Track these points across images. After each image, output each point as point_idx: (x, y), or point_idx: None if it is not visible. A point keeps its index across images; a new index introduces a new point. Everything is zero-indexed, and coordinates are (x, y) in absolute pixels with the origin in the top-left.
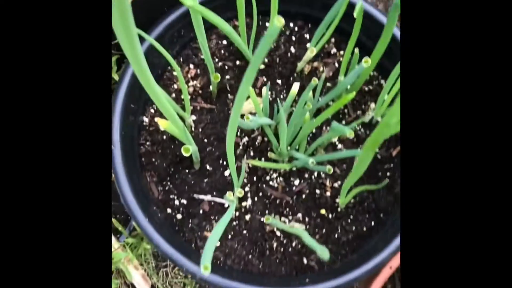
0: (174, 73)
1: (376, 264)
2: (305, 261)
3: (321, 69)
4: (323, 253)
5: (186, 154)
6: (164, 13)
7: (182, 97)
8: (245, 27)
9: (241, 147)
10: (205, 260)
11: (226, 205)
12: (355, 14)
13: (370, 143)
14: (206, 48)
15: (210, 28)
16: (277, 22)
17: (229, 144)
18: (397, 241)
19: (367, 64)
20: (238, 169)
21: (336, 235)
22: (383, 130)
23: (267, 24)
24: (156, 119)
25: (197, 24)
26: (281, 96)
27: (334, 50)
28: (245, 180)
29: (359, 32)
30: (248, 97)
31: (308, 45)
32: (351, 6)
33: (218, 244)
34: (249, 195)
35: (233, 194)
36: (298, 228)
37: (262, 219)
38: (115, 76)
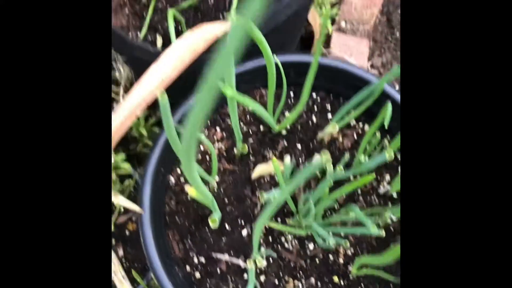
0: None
1: None
2: None
3: (340, 139)
4: None
5: (212, 225)
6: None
7: (208, 158)
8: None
9: (258, 208)
10: None
11: (242, 266)
12: (385, 123)
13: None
14: (237, 127)
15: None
16: (323, 157)
17: (257, 232)
18: None
19: (389, 156)
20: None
21: None
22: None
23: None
24: (186, 187)
25: (232, 109)
26: (300, 161)
27: (353, 122)
28: (261, 241)
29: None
30: (269, 159)
31: (329, 115)
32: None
33: None
34: (264, 256)
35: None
36: None
37: (276, 281)
38: (143, 131)
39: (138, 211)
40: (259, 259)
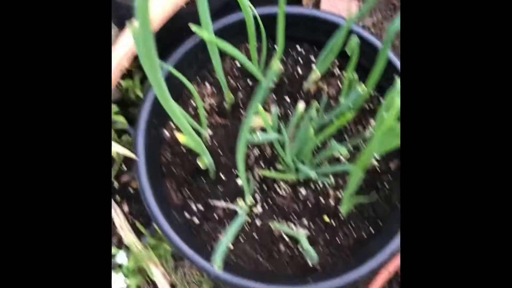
0: None
1: (374, 266)
2: (309, 263)
3: (325, 88)
4: (312, 257)
5: (202, 166)
6: (184, 38)
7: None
8: (256, 50)
9: (252, 159)
10: (218, 259)
11: (239, 212)
12: (348, 51)
13: (360, 163)
14: (221, 73)
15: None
16: (275, 66)
17: (240, 157)
18: (392, 245)
19: (362, 90)
20: (250, 179)
21: (338, 240)
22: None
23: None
24: (176, 134)
25: (213, 53)
26: (289, 112)
27: (337, 72)
28: (256, 188)
29: (361, 57)
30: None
31: (313, 66)
32: (352, 34)
33: (231, 247)
34: (259, 202)
35: (244, 202)
36: (300, 233)
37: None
38: (139, 93)
39: (133, 157)
40: (250, 199)
